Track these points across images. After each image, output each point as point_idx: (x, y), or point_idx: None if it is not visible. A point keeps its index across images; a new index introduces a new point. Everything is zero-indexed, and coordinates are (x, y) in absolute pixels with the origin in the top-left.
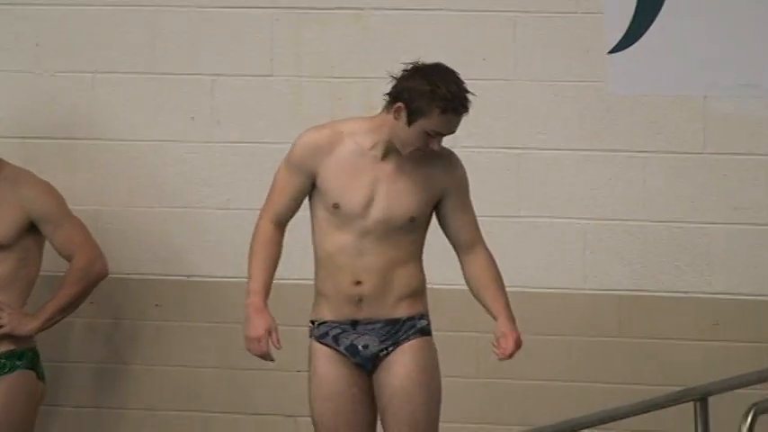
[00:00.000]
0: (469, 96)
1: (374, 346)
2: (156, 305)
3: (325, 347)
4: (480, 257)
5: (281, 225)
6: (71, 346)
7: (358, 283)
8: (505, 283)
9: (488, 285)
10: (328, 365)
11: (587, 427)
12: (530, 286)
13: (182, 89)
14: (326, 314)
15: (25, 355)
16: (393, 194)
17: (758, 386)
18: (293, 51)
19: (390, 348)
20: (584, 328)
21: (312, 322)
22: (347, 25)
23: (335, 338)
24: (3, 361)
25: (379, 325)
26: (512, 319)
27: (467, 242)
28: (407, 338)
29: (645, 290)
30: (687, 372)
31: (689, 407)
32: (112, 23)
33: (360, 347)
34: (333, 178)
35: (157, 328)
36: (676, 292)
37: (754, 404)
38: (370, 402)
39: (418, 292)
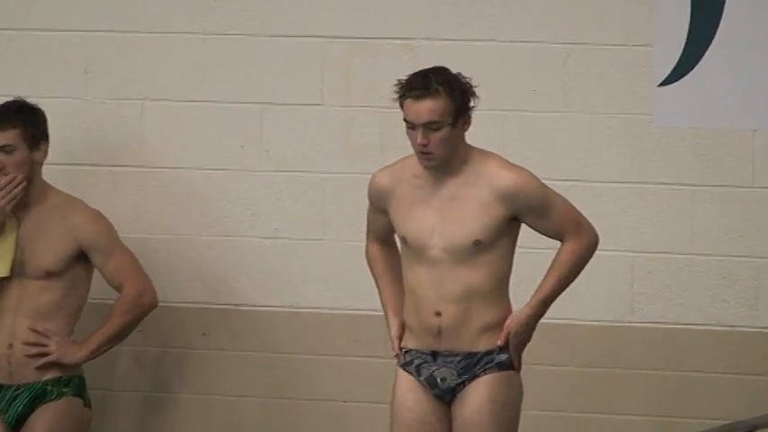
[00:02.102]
0: (435, 74)
1: (452, 380)
2: (204, 334)
3: (408, 375)
4: (567, 244)
5: (385, 242)
6: (118, 374)
7: (437, 314)
8: (551, 315)
9: (549, 272)
10: (408, 393)
11: None
12: (577, 319)
13: (231, 117)
14: (411, 343)
15: (72, 382)
16: (452, 220)
17: None
18: (343, 80)
19: (467, 382)
20: (630, 360)
21: (401, 349)
22: (397, 55)
23: (418, 368)
24: (50, 388)
25: (458, 358)
26: (531, 311)
27: (558, 238)
28: (484, 372)
29: (692, 323)
30: (734, 405)
31: None
32: (162, 50)
33: (438, 380)
34: (398, 213)
35: (204, 356)
36: (724, 325)
37: None
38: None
39: (500, 324)
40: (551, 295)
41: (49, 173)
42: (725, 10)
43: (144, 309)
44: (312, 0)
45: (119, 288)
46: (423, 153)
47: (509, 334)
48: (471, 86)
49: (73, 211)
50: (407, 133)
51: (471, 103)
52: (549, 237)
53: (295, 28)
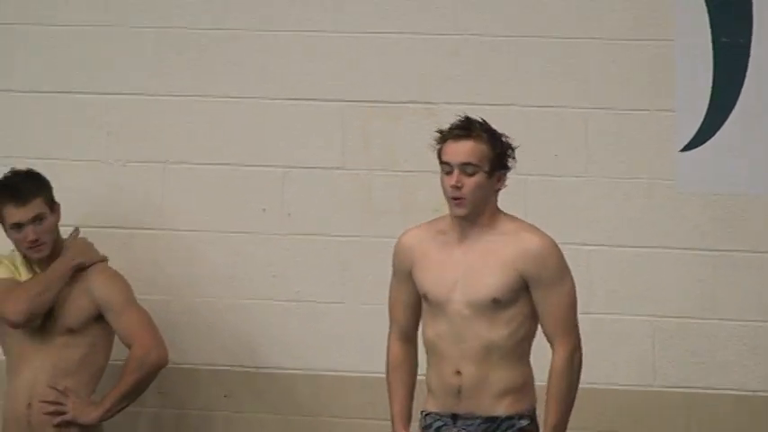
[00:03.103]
0: (479, 122)
1: None
2: (225, 396)
3: None
4: (555, 359)
5: (408, 339)
6: None
7: (458, 372)
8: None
9: (548, 398)
10: None
11: None
12: (599, 383)
13: (252, 180)
14: (431, 405)
15: None
16: (474, 275)
17: None
18: (363, 144)
19: None
20: (652, 425)
21: (421, 412)
22: (418, 119)
23: (437, 431)
24: None
25: (478, 422)
26: None
27: (547, 335)
28: None
29: (714, 387)
30: None
31: None
32: (183, 113)
33: None
34: (421, 270)
35: (226, 419)
36: (746, 390)
37: None
38: None
39: (521, 388)
40: (562, 419)
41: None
42: (747, 76)
43: (152, 367)
44: (332, 63)
45: (129, 347)
46: (454, 198)
47: None
48: (512, 147)
49: (92, 272)
50: (441, 180)
51: (509, 163)
52: (543, 325)
53: (316, 91)
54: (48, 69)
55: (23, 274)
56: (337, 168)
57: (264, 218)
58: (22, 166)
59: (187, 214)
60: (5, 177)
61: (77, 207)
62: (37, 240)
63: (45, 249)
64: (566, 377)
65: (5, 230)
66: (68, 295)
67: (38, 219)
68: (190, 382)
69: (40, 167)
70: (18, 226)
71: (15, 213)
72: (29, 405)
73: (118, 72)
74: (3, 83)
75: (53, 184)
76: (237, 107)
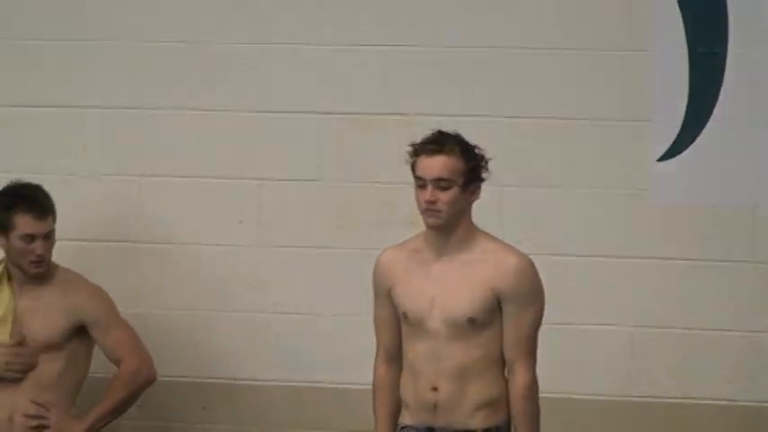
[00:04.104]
0: (452, 136)
1: None
2: (203, 408)
3: None
4: (515, 383)
5: (392, 360)
6: None
7: (434, 389)
8: (551, 389)
9: (515, 421)
10: None
11: None
12: (575, 393)
13: (229, 193)
14: (407, 419)
15: None
16: (451, 293)
17: None
18: (339, 156)
19: None
20: None
21: (398, 425)
22: (394, 129)
23: None
24: None
25: None
26: None
27: (507, 358)
28: None
29: (692, 397)
30: None
31: None
32: (159, 128)
33: None
34: (400, 290)
35: (204, 431)
36: (724, 399)
37: None
38: None
39: (496, 401)
40: None
41: None
42: (722, 87)
43: (141, 384)
44: (309, 76)
45: (117, 363)
46: (428, 210)
47: None
48: (485, 159)
49: (72, 288)
50: (416, 195)
51: (483, 175)
52: (505, 342)
53: (292, 104)
54: (21, 84)
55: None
56: (314, 180)
57: (241, 230)
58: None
59: (163, 227)
60: (21, 186)
61: (57, 221)
62: (42, 256)
63: (45, 267)
64: (533, 396)
65: (7, 238)
66: (46, 311)
67: (49, 235)
68: (168, 394)
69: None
70: (31, 238)
71: (32, 225)
72: (10, 418)
73: (93, 86)
74: None
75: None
76: (212, 119)
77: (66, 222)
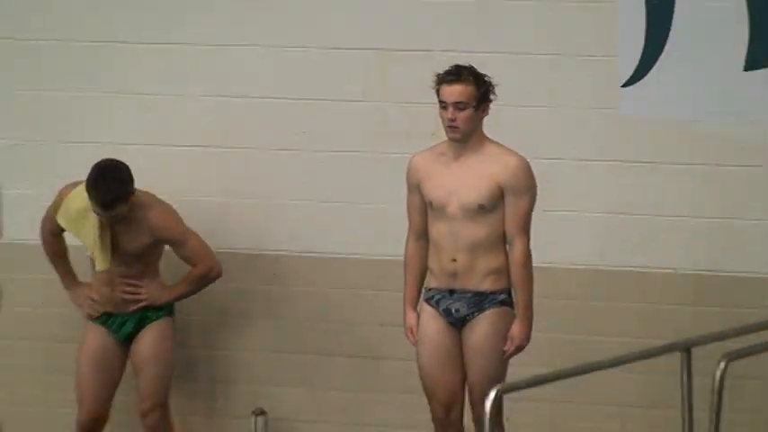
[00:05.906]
0: (466, 68)
1: (464, 311)
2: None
3: (430, 307)
4: (515, 254)
5: (421, 237)
6: None
7: (454, 260)
8: (541, 260)
9: (516, 283)
10: (430, 320)
11: (580, 373)
12: (560, 263)
13: (294, 110)
14: (432, 283)
15: (166, 306)
16: (465, 185)
17: (734, 339)
18: (380, 82)
19: (476, 313)
20: (600, 296)
21: (425, 288)
22: (420, 64)
23: (438, 302)
24: (150, 313)
25: (469, 294)
26: (525, 321)
27: (508, 235)
28: (489, 307)
29: (651, 267)
30: (674, 331)
31: (676, 356)
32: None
33: (453, 311)
34: (426, 184)
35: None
36: (668, 268)
37: (726, 354)
38: (458, 351)
39: (500, 270)
40: (530, 297)
41: None
42: (670, 31)
43: (211, 280)
44: (363, 17)
45: (193, 266)
46: (450, 127)
47: (514, 345)
48: (492, 84)
49: (148, 213)
50: (440, 113)
51: (491, 96)
52: (507, 223)
53: (344, 41)
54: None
55: (91, 219)
56: (360, 101)
57: (304, 138)
58: None
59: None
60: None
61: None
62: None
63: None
64: (528, 264)
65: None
66: (131, 232)
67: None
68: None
69: None
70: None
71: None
72: (111, 290)
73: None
74: None
75: None
76: (290, 54)
77: None
